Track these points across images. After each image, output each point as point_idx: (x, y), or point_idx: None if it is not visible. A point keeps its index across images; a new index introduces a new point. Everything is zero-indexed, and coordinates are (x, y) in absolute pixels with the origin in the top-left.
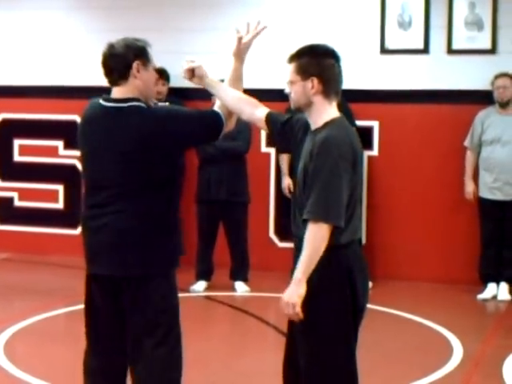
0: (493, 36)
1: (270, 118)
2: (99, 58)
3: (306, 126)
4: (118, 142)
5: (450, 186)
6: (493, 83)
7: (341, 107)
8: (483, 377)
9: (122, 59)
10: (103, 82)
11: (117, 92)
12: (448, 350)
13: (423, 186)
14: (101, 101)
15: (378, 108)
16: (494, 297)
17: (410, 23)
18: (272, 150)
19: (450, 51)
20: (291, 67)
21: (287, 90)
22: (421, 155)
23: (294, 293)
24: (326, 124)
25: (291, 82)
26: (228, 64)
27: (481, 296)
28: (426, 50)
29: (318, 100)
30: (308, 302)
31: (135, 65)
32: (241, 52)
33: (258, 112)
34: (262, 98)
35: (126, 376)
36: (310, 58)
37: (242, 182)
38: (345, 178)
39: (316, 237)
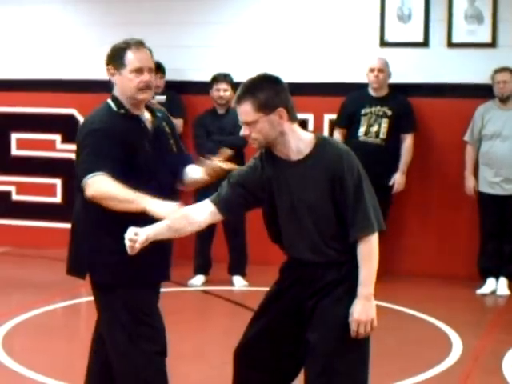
0: (493, 29)
1: (219, 204)
2: (97, 52)
3: (260, 181)
4: None
5: (449, 181)
6: (493, 78)
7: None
8: (482, 372)
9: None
10: (100, 75)
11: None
12: (447, 345)
13: (422, 181)
14: None
15: None
16: (493, 292)
17: (409, 16)
18: None
19: (450, 44)
20: (245, 108)
21: (245, 132)
22: (420, 149)
23: (370, 309)
24: (317, 145)
25: (250, 123)
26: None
27: (480, 291)
28: (425, 44)
29: (288, 127)
30: (330, 308)
31: (108, 68)
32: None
33: (200, 216)
34: None
35: None
36: (268, 90)
37: None
38: (368, 185)
39: (373, 248)
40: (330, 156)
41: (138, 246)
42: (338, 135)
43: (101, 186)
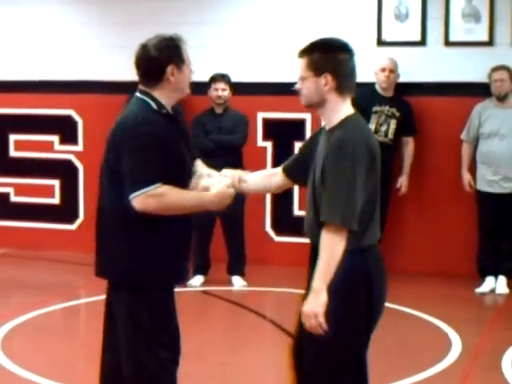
0: (490, 28)
1: (287, 168)
2: (95, 53)
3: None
4: (112, 130)
5: (446, 179)
6: (490, 76)
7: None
8: (482, 370)
9: (155, 63)
10: (99, 76)
11: (144, 88)
12: (446, 344)
13: (420, 179)
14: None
15: None
16: (493, 290)
17: (406, 15)
18: (269, 144)
19: (447, 43)
20: (302, 62)
21: (298, 86)
22: (417, 147)
23: (316, 303)
24: (341, 123)
25: (302, 78)
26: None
27: (479, 289)
28: (422, 42)
29: (332, 97)
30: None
31: (169, 69)
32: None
33: (275, 177)
34: (255, 91)
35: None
36: (323, 53)
37: None
38: (359, 180)
39: (333, 243)
40: (336, 135)
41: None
42: None
43: (165, 199)
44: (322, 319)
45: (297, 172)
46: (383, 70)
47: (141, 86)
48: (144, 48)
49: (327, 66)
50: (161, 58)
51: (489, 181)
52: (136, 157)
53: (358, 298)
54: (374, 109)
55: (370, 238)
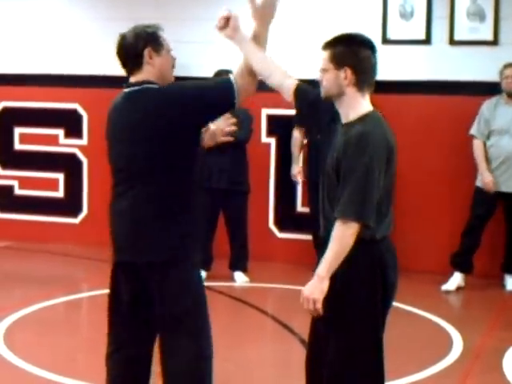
0: (495, 27)
1: (298, 92)
2: (101, 47)
3: (333, 111)
4: (129, 122)
5: (451, 177)
6: (501, 73)
7: None
8: (483, 370)
9: (133, 49)
10: (104, 70)
11: (133, 79)
12: (448, 343)
13: (424, 178)
14: (124, 89)
15: (379, 98)
16: (459, 288)
17: (411, 14)
18: (272, 141)
19: (452, 42)
20: (325, 54)
21: (319, 77)
22: (422, 146)
23: (317, 289)
24: (361, 118)
25: (324, 70)
26: (249, 29)
27: (445, 287)
28: (427, 41)
29: (351, 91)
30: (339, 296)
31: (146, 52)
32: (259, 12)
33: (287, 82)
34: (259, 88)
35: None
36: (346, 46)
37: (242, 172)
38: (378, 177)
39: (345, 235)
40: (356, 130)
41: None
42: (296, 134)
43: None
44: (319, 305)
45: (302, 106)
46: None
47: (131, 78)
48: (122, 37)
49: (348, 60)
50: (137, 42)
51: (496, 179)
52: None
53: (375, 287)
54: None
55: (385, 229)
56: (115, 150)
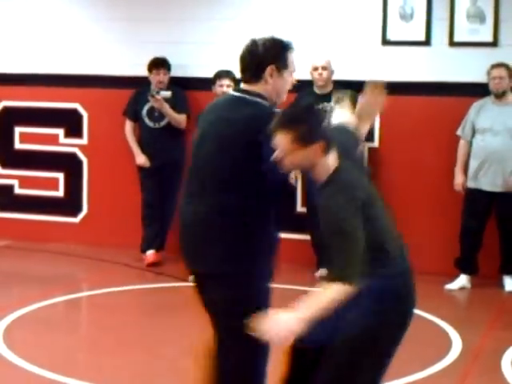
0: (495, 29)
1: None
2: (101, 46)
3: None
4: (220, 129)
5: (451, 179)
6: (489, 73)
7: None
8: (482, 370)
9: (258, 60)
10: (105, 70)
11: (246, 87)
12: (447, 343)
13: (424, 178)
14: (233, 92)
15: None
16: (462, 288)
17: (411, 15)
18: None
19: (452, 43)
20: (284, 138)
21: (277, 158)
22: (422, 147)
23: (294, 327)
24: (325, 184)
25: (287, 151)
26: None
27: (448, 286)
28: (427, 42)
29: (322, 159)
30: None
31: (269, 69)
32: (364, 109)
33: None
34: None
35: None
36: (310, 123)
37: None
38: (358, 232)
39: (336, 296)
40: (322, 201)
41: None
42: None
43: None
44: (286, 342)
45: None
46: (316, 68)
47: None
48: (253, 43)
49: (317, 136)
50: (264, 56)
51: (479, 177)
52: None
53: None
54: None
55: (391, 267)
56: (196, 152)
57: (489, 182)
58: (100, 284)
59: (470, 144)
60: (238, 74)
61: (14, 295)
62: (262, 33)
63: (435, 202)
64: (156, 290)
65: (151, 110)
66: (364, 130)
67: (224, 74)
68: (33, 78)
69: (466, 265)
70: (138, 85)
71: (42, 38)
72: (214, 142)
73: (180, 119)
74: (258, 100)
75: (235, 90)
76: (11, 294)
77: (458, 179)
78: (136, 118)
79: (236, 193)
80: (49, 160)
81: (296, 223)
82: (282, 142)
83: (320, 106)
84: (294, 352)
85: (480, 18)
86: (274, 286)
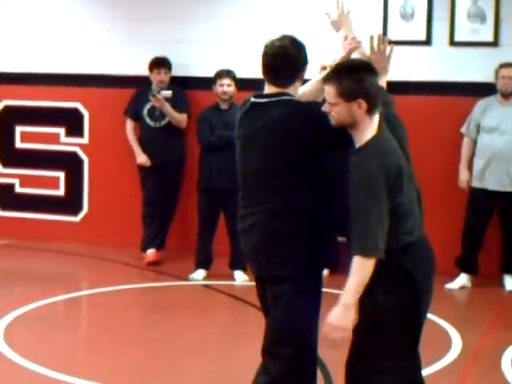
0: (495, 28)
1: None
2: (102, 46)
3: None
4: (260, 134)
5: (451, 178)
6: (497, 72)
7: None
8: (482, 369)
9: (295, 65)
10: (106, 70)
11: (271, 89)
12: (447, 342)
13: (425, 177)
14: (252, 98)
15: None
16: (462, 287)
17: (412, 15)
18: None
19: (453, 43)
20: (330, 89)
21: (326, 109)
22: (422, 147)
23: (346, 318)
24: (363, 147)
25: (332, 104)
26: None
27: (449, 285)
28: (428, 42)
29: (364, 119)
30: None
31: (303, 72)
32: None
33: None
34: (261, 87)
35: None
36: (352, 79)
37: None
38: (382, 206)
39: (364, 269)
40: (356, 161)
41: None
42: None
43: None
44: (348, 334)
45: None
46: (324, 68)
47: (272, 87)
48: (283, 47)
49: (359, 92)
50: (300, 57)
51: (485, 177)
52: None
53: (398, 295)
54: None
55: (406, 237)
56: (241, 161)
57: (495, 182)
58: (100, 283)
59: (475, 142)
60: (239, 74)
61: (14, 294)
62: (262, 33)
63: (435, 202)
64: (156, 289)
65: (152, 110)
66: (382, 83)
67: (225, 74)
68: (34, 77)
69: (466, 264)
70: (139, 84)
71: (43, 37)
72: (254, 148)
73: (181, 119)
74: (286, 97)
75: (256, 96)
76: (12, 292)
77: (463, 176)
78: (137, 117)
79: (299, 193)
80: (49, 159)
81: None
82: (329, 93)
83: None
84: None
85: (480, 17)
86: None
